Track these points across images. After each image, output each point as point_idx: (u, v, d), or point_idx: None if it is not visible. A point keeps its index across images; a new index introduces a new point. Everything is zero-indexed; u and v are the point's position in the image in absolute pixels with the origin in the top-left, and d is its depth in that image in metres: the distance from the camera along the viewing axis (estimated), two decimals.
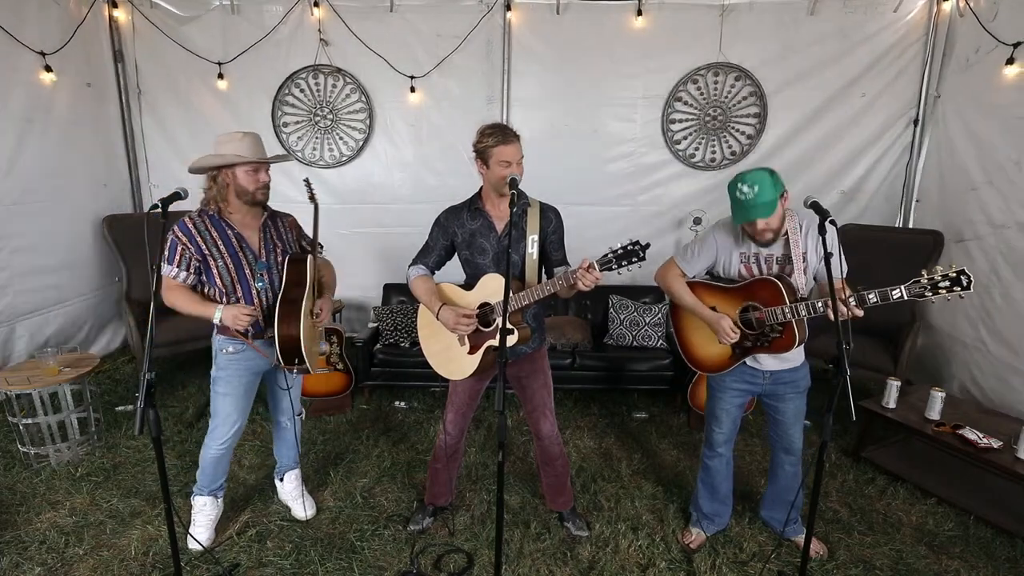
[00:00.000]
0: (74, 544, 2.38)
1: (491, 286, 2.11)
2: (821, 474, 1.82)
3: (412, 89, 4.15)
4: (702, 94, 4.13)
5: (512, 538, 2.46)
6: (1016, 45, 3.16)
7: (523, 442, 3.29)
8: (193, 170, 2.14)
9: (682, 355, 2.34)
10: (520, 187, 1.93)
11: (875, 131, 4.04)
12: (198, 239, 2.11)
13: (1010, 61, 3.19)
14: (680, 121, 4.19)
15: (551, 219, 2.17)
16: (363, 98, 4.23)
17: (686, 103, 4.15)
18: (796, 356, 2.17)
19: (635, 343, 3.86)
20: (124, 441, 3.21)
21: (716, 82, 4.09)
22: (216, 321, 2.11)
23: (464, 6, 4.02)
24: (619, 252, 1.80)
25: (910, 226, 4.10)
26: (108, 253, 4.09)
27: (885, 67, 3.93)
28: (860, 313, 1.83)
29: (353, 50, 4.11)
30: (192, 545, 2.35)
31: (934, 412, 2.83)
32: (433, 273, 2.26)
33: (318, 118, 4.31)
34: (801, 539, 2.16)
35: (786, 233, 2.03)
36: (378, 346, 3.82)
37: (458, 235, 2.20)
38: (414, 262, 2.26)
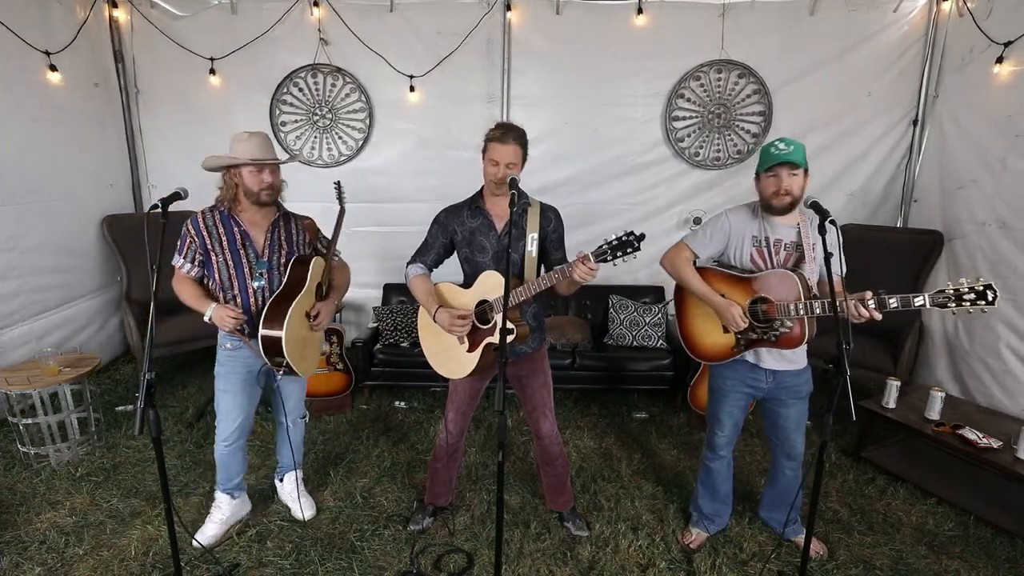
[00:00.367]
0: (74, 544, 2.38)
1: (489, 283, 2.12)
2: (821, 474, 1.82)
3: (411, 88, 4.14)
4: (705, 91, 4.12)
5: (512, 538, 2.46)
6: (1007, 44, 3.16)
7: (523, 442, 3.29)
8: (206, 168, 2.19)
9: (682, 343, 2.32)
10: (520, 186, 1.92)
11: (879, 131, 4.03)
12: (204, 233, 2.18)
13: (1000, 60, 3.19)
14: (683, 119, 4.18)
15: (551, 219, 2.18)
16: (362, 97, 4.23)
17: (689, 100, 4.14)
18: (799, 358, 2.17)
19: (635, 343, 3.86)
20: (124, 441, 3.22)
21: (719, 79, 4.08)
22: (206, 319, 2.16)
23: (464, 5, 4.01)
24: (614, 243, 1.80)
25: (908, 226, 4.10)
26: (109, 253, 4.10)
27: (887, 67, 3.92)
28: (879, 317, 1.83)
29: (352, 49, 4.10)
30: (194, 542, 2.35)
31: (934, 412, 2.84)
32: (431, 271, 2.27)
33: (317, 117, 4.30)
34: (801, 539, 2.16)
35: (797, 225, 2.04)
36: (378, 346, 3.82)
37: (458, 233, 2.20)
38: (412, 260, 2.27)
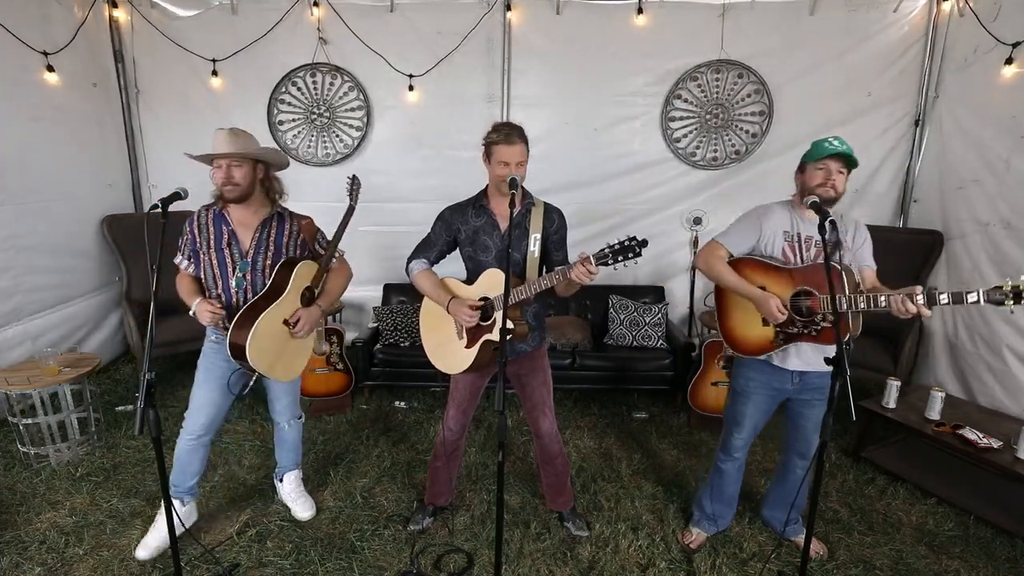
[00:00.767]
0: (74, 544, 2.38)
1: (491, 280, 2.13)
2: (821, 474, 1.82)
3: (411, 88, 4.14)
4: (703, 92, 4.12)
5: (512, 538, 2.46)
6: (1015, 45, 3.16)
7: (523, 442, 3.29)
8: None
9: (722, 337, 2.26)
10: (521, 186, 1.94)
11: (879, 131, 4.03)
12: (195, 231, 2.21)
13: (1009, 61, 3.19)
14: (680, 119, 4.18)
15: (554, 219, 2.19)
16: (361, 96, 4.23)
17: (686, 100, 4.14)
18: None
19: (635, 343, 3.86)
20: (124, 441, 3.22)
21: (717, 80, 4.08)
22: (190, 312, 2.17)
23: (464, 4, 4.01)
24: (616, 247, 1.81)
25: (908, 226, 4.10)
26: (108, 253, 4.10)
27: (887, 67, 3.92)
28: (928, 313, 1.78)
29: (352, 48, 4.10)
30: (138, 553, 2.28)
31: (934, 412, 2.84)
32: (432, 267, 2.28)
33: (314, 116, 4.30)
34: (801, 539, 2.16)
35: (832, 220, 2.02)
36: (378, 346, 3.82)
37: (462, 232, 2.21)
38: (415, 256, 2.27)
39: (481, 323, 2.13)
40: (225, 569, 2.23)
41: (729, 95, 4.11)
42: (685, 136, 4.21)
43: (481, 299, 2.14)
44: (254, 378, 2.21)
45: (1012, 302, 1.68)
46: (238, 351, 2.09)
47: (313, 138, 4.35)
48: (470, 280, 2.22)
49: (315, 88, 4.25)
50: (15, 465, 2.94)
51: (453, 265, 2.34)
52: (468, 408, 2.38)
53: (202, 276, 2.23)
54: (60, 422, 2.98)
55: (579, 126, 4.21)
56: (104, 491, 2.75)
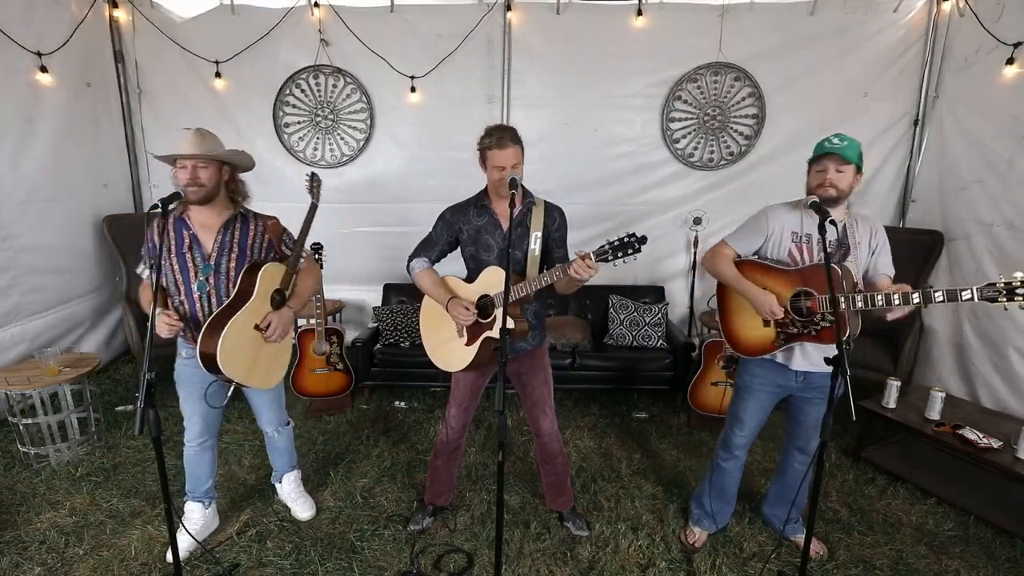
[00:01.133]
0: (74, 544, 2.38)
1: (491, 278, 2.14)
2: (821, 474, 1.82)
3: (413, 89, 4.14)
4: (702, 93, 4.12)
5: (512, 538, 2.46)
6: (1017, 45, 3.16)
7: (523, 442, 3.29)
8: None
9: (724, 337, 2.27)
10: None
11: (878, 131, 4.03)
12: (155, 239, 2.02)
13: (1010, 61, 3.19)
14: (679, 120, 4.19)
15: (555, 218, 2.21)
16: (364, 98, 4.23)
17: (686, 102, 4.14)
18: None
19: (635, 343, 3.86)
20: (124, 441, 3.22)
21: (715, 82, 4.09)
22: (149, 324, 2.02)
23: (464, 6, 4.01)
24: (615, 244, 1.82)
25: (907, 226, 4.10)
26: (108, 253, 4.10)
27: (887, 67, 3.93)
28: (906, 311, 1.82)
29: (353, 50, 4.11)
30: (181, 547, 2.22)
31: (934, 412, 2.84)
32: (432, 266, 2.29)
33: (319, 118, 4.30)
34: (801, 539, 2.16)
35: (842, 223, 2.02)
36: (378, 346, 3.82)
37: (463, 232, 2.22)
38: (416, 255, 2.28)
39: (481, 320, 2.14)
40: (225, 569, 2.23)
41: (726, 97, 4.12)
42: (684, 137, 4.22)
43: (481, 297, 2.15)
44: (231, 388, 2.13)
45: (1006, 299, 1.69)
46: (209, 361, 1.99)
47: (319, 140, 4.35)
48: (471, 279, 2.23)
49: (319, 90, 4.25)
50: (15, 465, 2.95)
51: (454, 265, 2.35)
52: (469, 407, 2.38)
53: (164, 283, 2.11)
54: (60, 422, 2.98)
55: (579, 127, 4.22)
56: (104, 491, 2.75)
